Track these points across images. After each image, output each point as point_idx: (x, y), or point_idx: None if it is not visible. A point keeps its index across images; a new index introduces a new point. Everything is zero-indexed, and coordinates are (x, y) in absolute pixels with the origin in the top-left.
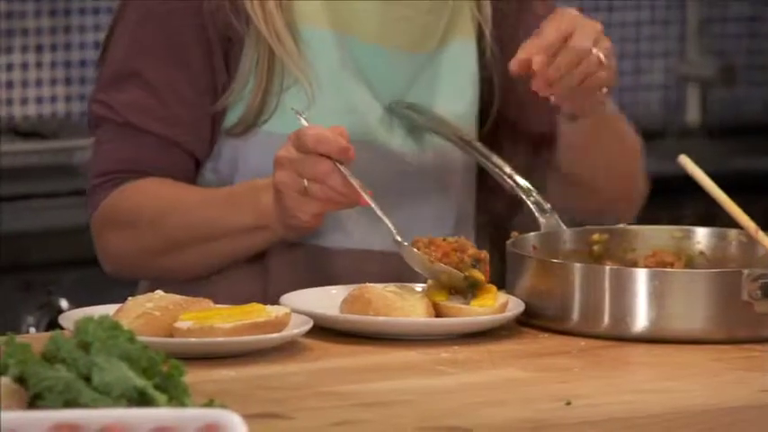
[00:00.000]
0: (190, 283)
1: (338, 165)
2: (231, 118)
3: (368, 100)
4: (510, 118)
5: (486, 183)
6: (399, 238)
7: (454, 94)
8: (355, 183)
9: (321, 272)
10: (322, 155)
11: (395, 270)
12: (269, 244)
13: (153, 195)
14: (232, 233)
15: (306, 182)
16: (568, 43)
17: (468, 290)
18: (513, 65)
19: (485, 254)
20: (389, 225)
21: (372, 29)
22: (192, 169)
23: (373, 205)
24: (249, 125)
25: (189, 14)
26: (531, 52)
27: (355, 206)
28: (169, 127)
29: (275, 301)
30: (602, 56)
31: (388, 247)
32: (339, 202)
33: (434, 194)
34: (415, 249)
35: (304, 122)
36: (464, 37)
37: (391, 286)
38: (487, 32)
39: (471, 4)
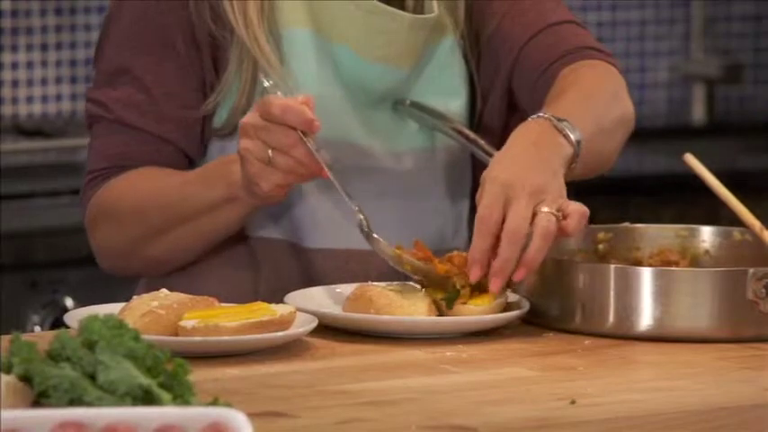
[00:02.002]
0: (182, 282)
1: (303, 136)
2: (219, 119)
3: (345, 102)
4: (490, 115)
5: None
6: (362, 216)
7: (448, 94)
8: (319, 156)
9: (307, 272)
10: (287, 125)
11: (378, 269)
12: (244, 218)
13: (134, 185)
14: (208, 209)
15: (270, 152)
16: (504, 230)
17: (443, 300)
18: (473, 278)
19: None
20: (350, 202)
21: (355, 38)
22: (183, 167)
23: (333, 179)
24: (235, 125)
25: (179, 14)
26: (478, 252)
27: (316, 178)
28: (159, 124)
29: (266, 300)
30: (551, 219)
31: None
32: (301, 174)
33: (418, 196)
34: (376, 236)
35: (278, 93)
36: (448, 39)
37: (393, 285)
38: (458, 35)
39: (448, 4)
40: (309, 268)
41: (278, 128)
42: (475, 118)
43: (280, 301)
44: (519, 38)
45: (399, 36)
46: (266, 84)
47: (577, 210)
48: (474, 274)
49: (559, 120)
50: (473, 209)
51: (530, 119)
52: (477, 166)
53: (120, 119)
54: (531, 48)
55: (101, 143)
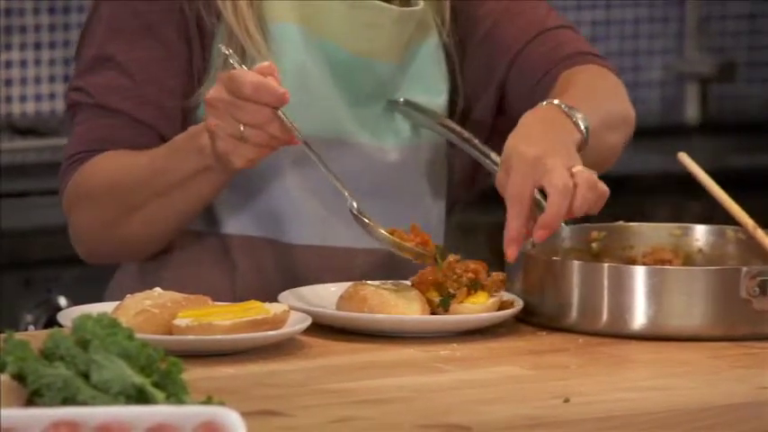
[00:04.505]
0: (156, 282)
1: (275, 110)
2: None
3: (334, 97)
4: (481, 114)
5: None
6: (347, 194)
7: (432, 92)
8: (293, 127)
9: (288, 269)
10: (261, 103)
11: (361, 266)
12: (217, 187)
13: (104, 165)
14: (180, 181)
15: (242, 126)
16: (553, 188)
17: (438, 306)
18: (510, 257)
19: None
20: (335, 181)
21: (342, 32)
22: None
23: (310, 152)
24: None
25: (167, 2)
26: (514, 231)
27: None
28: (140, 108)
29: (243, 299)
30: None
31: (355, 244)
32: (275, 147)
33: (402, 193)
34: (367, 220)
35: (235, 64)
36: (433, 38)
37: (387, 283)
38: (444, 35)
39: (433, 4)
40: (290, 265)
41: (249, 104)
42: (455, 116)
43: (258, 299)
44: (515, 41)
45: (386, 30)
46: (225, 51)
47: (601, 189)
48: (511, 254)
49: (569, 107)
50: (449, 212)
51: (540, 105)
52: (452, 170)
53: (101, 103)
54: (528, 52)
55: (81, 128)
